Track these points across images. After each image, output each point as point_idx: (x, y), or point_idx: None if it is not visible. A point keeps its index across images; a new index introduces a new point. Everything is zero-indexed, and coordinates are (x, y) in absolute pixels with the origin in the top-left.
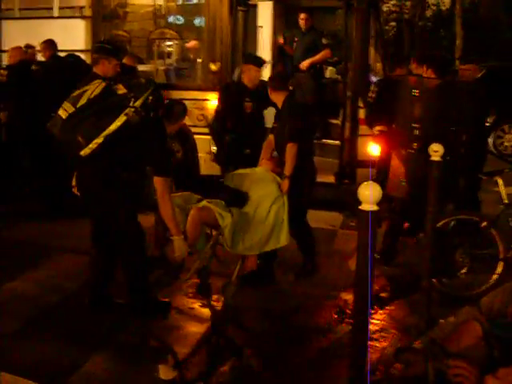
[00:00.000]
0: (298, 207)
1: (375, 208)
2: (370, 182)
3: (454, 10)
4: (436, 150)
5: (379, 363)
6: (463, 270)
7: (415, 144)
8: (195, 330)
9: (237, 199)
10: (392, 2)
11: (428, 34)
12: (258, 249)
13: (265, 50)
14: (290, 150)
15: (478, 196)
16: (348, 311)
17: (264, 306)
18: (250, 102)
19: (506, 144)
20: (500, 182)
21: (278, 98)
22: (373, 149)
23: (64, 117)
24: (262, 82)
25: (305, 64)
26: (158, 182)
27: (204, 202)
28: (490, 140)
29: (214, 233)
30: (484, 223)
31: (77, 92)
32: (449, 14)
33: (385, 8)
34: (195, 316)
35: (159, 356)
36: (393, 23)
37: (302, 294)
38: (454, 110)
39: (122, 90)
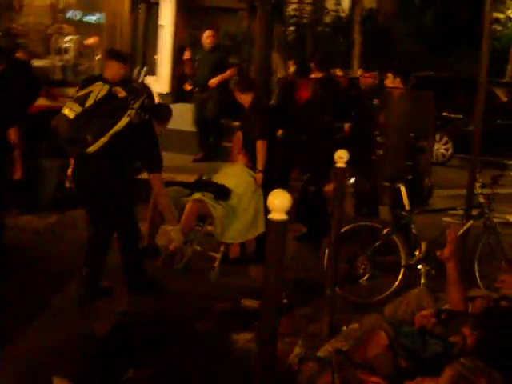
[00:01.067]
0: None
1: (285, 217)
2: (280, 190)
3: (353, 17)
4: (341, 157)
5: (283, 372)
6: (365, 277)
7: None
8: None
9: (222, 193)
10: (292, 7)
11: (326, 40)
12: (242, 237)
13: (165, 49)
14: (262, 146)
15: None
16: (251, 319)
17: (163, 311)
18: None
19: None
20: (402, 188)
21: (245, 99)
22: None
23: (72, 116)
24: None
25: (214, 82)
26: (155, 178)
27: (198, 195)
28: None
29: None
30: (386, 230)
31: (81, 92)
32: (347, 21)
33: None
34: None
35: None
36: (292, 28)
37: (205, 299)
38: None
39: (121, 93)
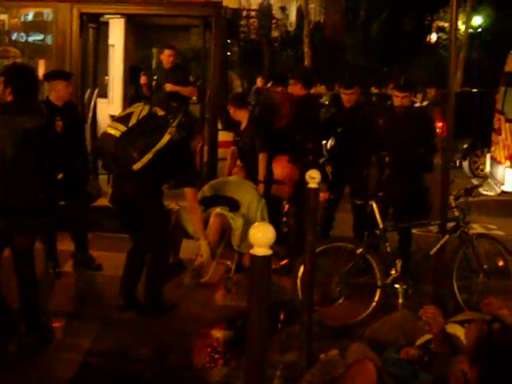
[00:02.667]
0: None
1: (269, 252)
2: (263, 222)
3: (302, 31)
4: (313, 177)
5: None
6: (341, 300)
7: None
8: None
9: (233, 204)
10: (241, 22)
11: (275, 54)
12: None
13: (116, 69)
14: (263, 159)
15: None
16: (222, 350)
17: (130, 348)
18: (61, 121)
19: None
20: (374, 206)
21: (242, 115)
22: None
23: (118, 135)
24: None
25: (170, 87)
26: (190, 193)
27: (218, 209)
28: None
29: None
30: (360, 250)
31: (123, 113)
32: (295, 35)
33: None
34: None
35: None
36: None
37: (170, 332)
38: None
39: (160, 112)
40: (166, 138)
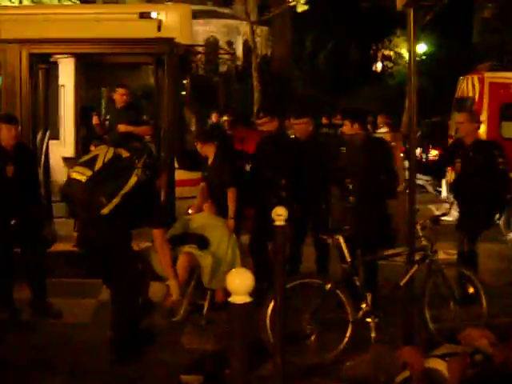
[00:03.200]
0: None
1: (248, 299)
2: (241, 269)
3: (250, 65)
4: (280, 214)
5: None
6: (312, 337)
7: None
8: None
9: (202, 242)
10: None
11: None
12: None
13: (67, 109)
14: (232, 193)
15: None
16: None
17: None
18: (12, 166)
19: None
20: (341, 240)
21: (209, 150)
22: None
23: (84, 180)
24: None
25: (123, 128)
26: (158, 234)
27: (186, 248)
28: None
29: None
30: (328, 285)
31: (87, 157)
32: (243, 69)
33: None
34: None
35: None
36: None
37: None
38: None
39: (125, 153)
40: (133, 179)
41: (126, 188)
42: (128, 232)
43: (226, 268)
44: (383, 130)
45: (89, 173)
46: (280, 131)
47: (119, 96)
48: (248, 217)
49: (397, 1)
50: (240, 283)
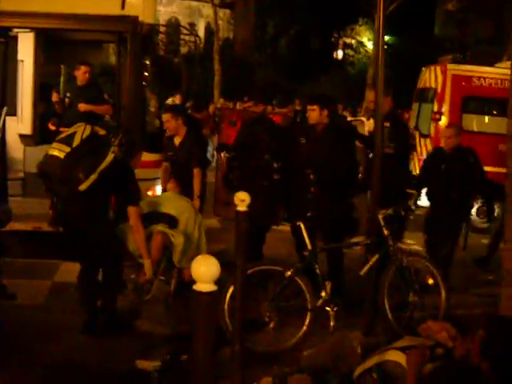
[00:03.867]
0: None
1: (213, 288)
2: (206, 255)
3: (211, 47)
4: (242, 199)
5: None
6: (271, 325)
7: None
8: None
9: (172, 221)
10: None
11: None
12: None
13: (26, 86)
14: (198, 174)
15: None
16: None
17: None
18: None
19: None
20: (302, 226)
21: (180, 127)
22: None
23: (62, 156)
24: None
25: (84, 107)
26: (134, 211)
27: (159, 227)
28: None
29: None
30: (288, 272)
31: (65, 134)
32: (205, 52)
33: None
34: None
35: None
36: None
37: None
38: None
39: (102, 131)
40: (110, 156)
41: (104, 165)
42: (106, 208)
43: (193, 247)
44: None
45: (67, 149)
46: (265, 115)
47: (81, 73)
48: None
49: None
50: (205, 271)
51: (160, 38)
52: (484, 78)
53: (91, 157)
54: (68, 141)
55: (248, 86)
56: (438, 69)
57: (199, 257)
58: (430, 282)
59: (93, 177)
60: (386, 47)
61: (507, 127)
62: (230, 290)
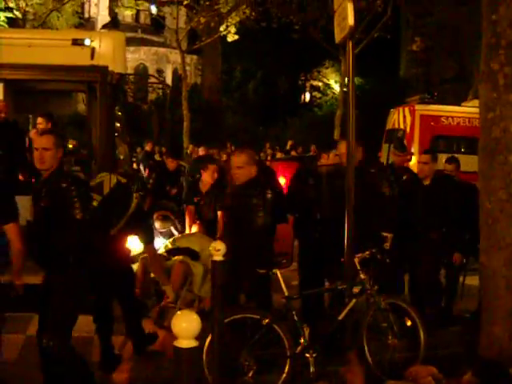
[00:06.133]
0: None
1: (195, 344)
2: (186, 311)
3: (180, 93)
4: (218, 249)
5: None
6: (250, 374)
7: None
8: None
9: (193, 254)
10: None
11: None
12: None
13: None
14: (221, 217)
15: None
16: None
17: None
18: None
19: None
20: (278, 274)
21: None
22: None
23: (96, 204)
24: None
25: None
26: (151, 248)
27: (181, 257)
28: None
29: None
30: (266, 320)
31: (93, 183)
32: (173, 97)
33: None
34: None
35: None
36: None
37: None
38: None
39: (123, 180)
40: (134, 202)
41: (131, 210)
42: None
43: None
44: None
45: (99, 198)
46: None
47: (38, 125)
48: None
49: (336, 34)
50: (186, 327)
51: (128, 85)
52: (452, 117)
53: (121, 203)
54: (98, 190)
55: (217, 131)
56: (407, 109)
57: (180, 312)
58: (409, 323)
59: (122, 221)
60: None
61: (478, 160)
62: (208, 339)
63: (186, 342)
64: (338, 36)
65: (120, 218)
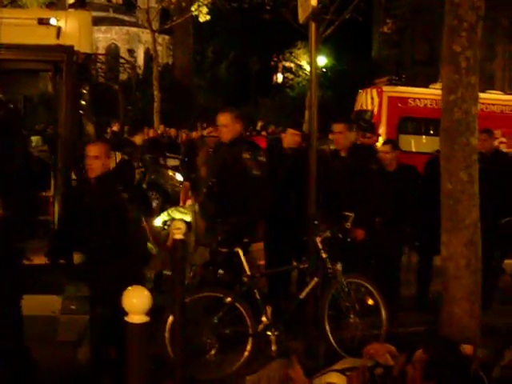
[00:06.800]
0: None
1: (146, 319)
2: (137, 287)
3: (151, 73)
4: (178, 228)
5: None
6: (212, 351)
7: None
8: None
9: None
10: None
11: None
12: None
13: None
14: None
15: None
16: None
17: None
18: None
19: None
20: (240, 253)
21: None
22: None
23: None
24: None
25: None
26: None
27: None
28: None
29: None
30: (228, 299)
31: None
32: (144, 77)
33: None
34: None
35: None
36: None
37: None
38: None
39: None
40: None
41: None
42: None
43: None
44: None
45: None
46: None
47: None
48: None
49: (299, 14)
50: (137, 302)
51: (99, 65)
52: (419, 99)
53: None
54: None
55: (188, 112)
56: (374, 91)
57: (130, 288)
58: (370, 303)
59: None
60: (324, 70)
61: (440, 142)
62: (170, 317)
63: (136, 317)
64: (302, 16)
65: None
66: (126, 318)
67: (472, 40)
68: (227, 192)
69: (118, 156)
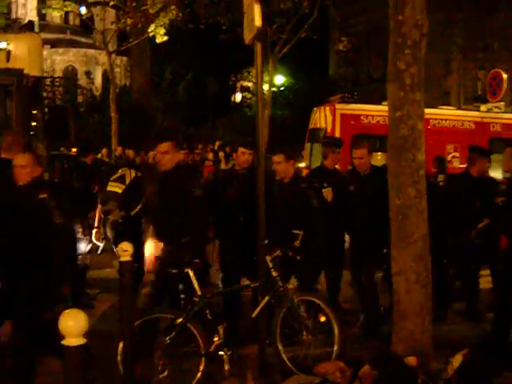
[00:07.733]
0: None
1: (82, 341)
2: (73, 309)
3: (108, 95)
4: (125, 250)
5: None
6: (165, 373)
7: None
8: None
9: None
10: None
11: (81, 120)
12: None
13: None
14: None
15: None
16: None
17: None
18: None
19: None
20: (191, 273)
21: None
22: None
23: (120, 191)
24: None
25: None
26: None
27: None
28: None
29: None
30: (179, 319)
31: (116, 176)
32: (103, 99)
33: None
34: None
35: None
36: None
37: None
38: None
39: (139, 173)
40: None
41: (147, 195)
42: None
43: None
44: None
45: (123, 187)
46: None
47: None
48: None
49: (245, 35)
50: (74, 325)
51: (56, 88)
52: (372, 116)
53: (139, 191)
54: (122, 180)
55: (146, 133)
56: (328, 109)
57: (67, 311)
58: (323, 319)
59: (140, 205)
60: (282, 88)
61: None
62: (121, 343)
63: (73, 340)
64: (247, 37)
65: (138, 202)
66: (63, 342)
67: (416, 57)
68: (171, 214)
69: (133, 173)
